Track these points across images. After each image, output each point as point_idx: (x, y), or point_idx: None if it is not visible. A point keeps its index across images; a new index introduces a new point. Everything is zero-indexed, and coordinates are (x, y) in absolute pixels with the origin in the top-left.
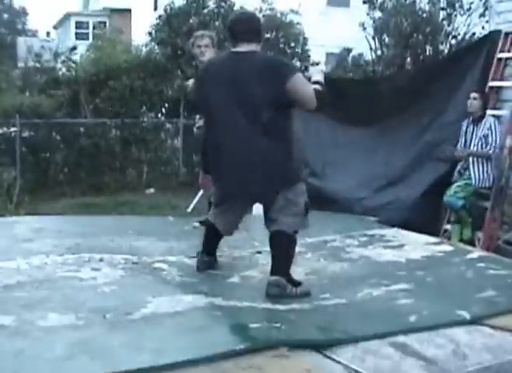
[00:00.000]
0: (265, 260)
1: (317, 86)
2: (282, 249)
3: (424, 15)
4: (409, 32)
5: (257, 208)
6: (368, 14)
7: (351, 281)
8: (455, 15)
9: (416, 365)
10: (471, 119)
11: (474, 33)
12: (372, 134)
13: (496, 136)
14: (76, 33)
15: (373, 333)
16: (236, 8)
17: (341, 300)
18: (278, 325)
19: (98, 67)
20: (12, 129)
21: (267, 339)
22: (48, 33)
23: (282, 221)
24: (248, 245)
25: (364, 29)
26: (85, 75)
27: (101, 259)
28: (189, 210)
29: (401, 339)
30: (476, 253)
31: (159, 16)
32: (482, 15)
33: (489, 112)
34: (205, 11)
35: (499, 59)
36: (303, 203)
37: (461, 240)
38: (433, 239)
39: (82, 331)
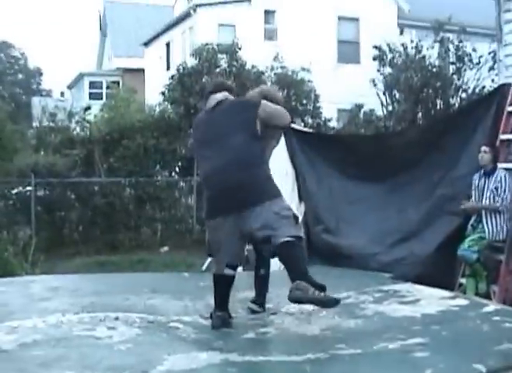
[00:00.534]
0: (280, 320)
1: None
2: (293, 258)
3: (434, 69)
4: (419, 86)
5: (275, 264)
6: (378, 70)
7: (366, 336)
8: (465, 69)
9: None
10: (482, 172)
11: (484, 87)
12: (384, 189)
13: (506, 188)
14: (90, 93)
15: None
16: (247, 67)
17: (357, 350)
18: None
19: (112, 126)
20: (27, 188)
21: None
22: (62, 93)
23: (281, 234)
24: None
25: (375, 85)
26: (99, 135)
27: (116, 318)
28: (204, 268)
29: None
30: (492, 307)
31: (172, 76)
32: (492, 68)
33: (500, 165)
34: (217, 70)
35: (510, 112)
36: (292, 214)
37: (477, 294)
38: (447, 294)
39: None
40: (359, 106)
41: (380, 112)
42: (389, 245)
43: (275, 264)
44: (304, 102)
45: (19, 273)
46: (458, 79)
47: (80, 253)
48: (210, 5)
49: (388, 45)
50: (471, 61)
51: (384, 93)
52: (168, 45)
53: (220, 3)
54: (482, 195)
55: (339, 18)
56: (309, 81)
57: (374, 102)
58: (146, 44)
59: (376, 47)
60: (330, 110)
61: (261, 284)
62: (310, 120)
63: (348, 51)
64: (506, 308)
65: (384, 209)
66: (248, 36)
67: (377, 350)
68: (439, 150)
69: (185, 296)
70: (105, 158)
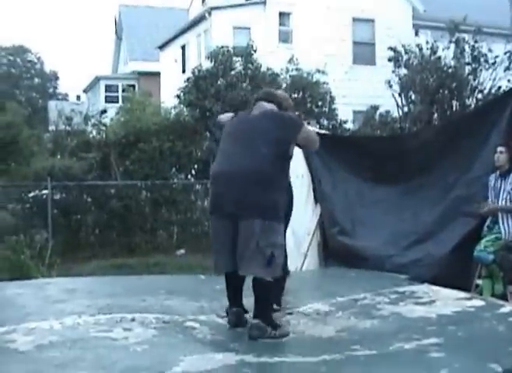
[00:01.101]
0: (296, 321)
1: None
2: (261, 295)
3: (449, 70)
4: (435, 87)
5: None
6: (394, 71)
7: (381, 336)
8: (480, 70)
9: None
10: (498, 173)
11: (500, 87)
12: (400, 190)
13: None
14: (106, 96)
15: None
16: (262, 69)
17: (373, 351)
18: None
19: (128, 129)
20: (44, 191)
21: None
22: (78, 97)
23: (256, 271)
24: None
25: (390, 86)
26: (115, 138)
27: (133, 319)
28: None
29: None
30: (508, 307)
31: (188, 79)
32: (507, 68)
33: None
34: (233, 72)
35: None
36: (268, 252)
37: (493, 295)
38: (463, 295)
39: None
40: (375, 108)
41: (395, 113)
42: (405, 247)
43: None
44: (319, 104)
45: (36, 275)
46: (474, 80)
47: (96, 256)
48: (225, 7)
49: (403, 46)
50: (486, 61)
51: (400, 94)
52: (183, 48)
53: (235, 6)
54: (499, 196)
55: (354, 19)
56: (324, 83)
57: (390, 103)
58: (161, 48)
59: (391, 48)
60: (345, 112)
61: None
62: (325, 122)
63: (363, 53)
64: None
65: (400, 210)
66: (263, 38)
67: (393, 350)
68: (454, 151)
69: (201, 298)
70: (121, 161)
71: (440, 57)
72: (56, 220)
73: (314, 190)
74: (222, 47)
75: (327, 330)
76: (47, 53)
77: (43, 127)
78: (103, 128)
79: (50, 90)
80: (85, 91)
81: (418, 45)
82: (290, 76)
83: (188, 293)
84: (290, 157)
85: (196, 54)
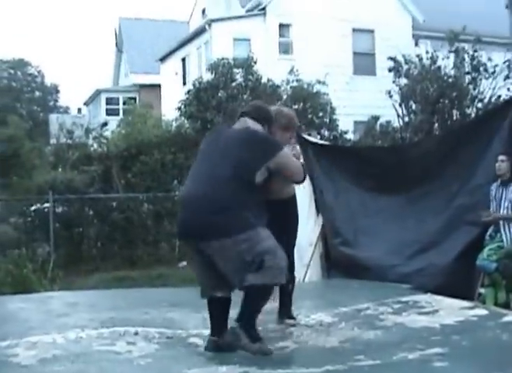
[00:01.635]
0: (299, 332)
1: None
2: (249, 300)
3: (449, 80)
4: (435, 97)
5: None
6: (394, 81)
7: (385, 346)
8: (480, 79)
9: None
10: (499, 182)
11: (500, 96)
12: (402, 200)
13: None
14: (107, 109)
15: None
16: (263, 80)
17: (376, 361)
18: None
19: (129, 142)
20: (46, 205)
21: None
22: (79, 110)
23: (249, 279)
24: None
25: (391, 96)
26: (116, 151)
27: (136, 333)
28: None
29: None
30: (511, 316)
31: (188, 91)
32: (507, 77)
33: None
34: (233, 84)
35: None
36: (258, 259)
37: (496, 303)
38: (467, 304)
39: None
40: (376, 118)
41: (396, 123)
42: (407, 257)
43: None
44: (320, 114)
45: (38, 289)
46: (474, 89)
47: (99, 269)
48: (225, 19)
49: (403, 56)
50: (486, 70)
51: (400, 104)
52: (184, 60)
53: (235, 17)
54: (500, 205)
55: (354, 30)
56: (325, 93)
57: (390, 113)
58: (162, 60)
59: (391, 59)
60: (346, 123)
61: (286, 298)
62: (326, 133)
63: (363, 63)
64: None
65: (402, 220)
66: (263, 49)
67: (397, 360)
68: (456, 160)
69: (204, 310)
70: (123, 174)
71: (439, 67)
72: (58, 233)
73: (316, 201)
74: (223, 58)
75: (331, 341)
76: (47, 66)
77: (44, 141)
78: (105, 141)
79: (51, 103)
80: (86, 104)
81: (418, 55)
82: (291, 87)
83: (191, 305)
84: (258, 186)
85: (197, 66)
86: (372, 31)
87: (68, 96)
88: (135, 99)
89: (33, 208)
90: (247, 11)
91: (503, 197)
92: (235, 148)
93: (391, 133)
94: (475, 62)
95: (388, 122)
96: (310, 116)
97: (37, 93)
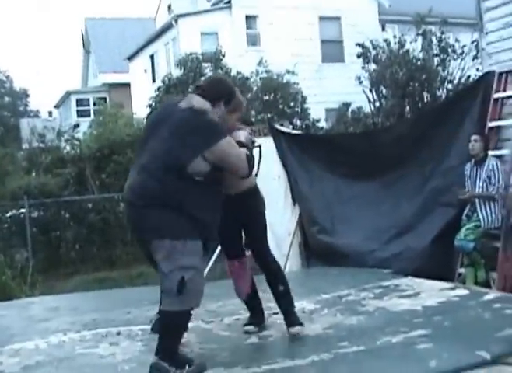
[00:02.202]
0: (282, 320)
1: (245, 150)
2: (166, 328)
3: (418, 63)
4: (405, 81)
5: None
6: (363, 67)
7: (369, 331)
8: (449, 60)
9: None
10: (473, 161)
11: (469, 76)
12: (377, 185)
13: (499, 176)
14: (77, 111)
15: None
16: (232, 73)
17: (360, 347)
18: None
19: (101, 142)
20: (21, 210)
21: None
22: (50, 113)
23: (162, 298)
24: (265, 308)
25: (361, 82)
26: (89, 152)
27: (118, 333)
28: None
29: None
30: (492, 294)
31: (158, 88)
32: (475, 57)
33: (490, 153)
34: (202, 79)
35: (496, 99)
36: (177, 277)
37: (476, 283)
38: (447, 285)
39: None
40: (347, 105)
41: (367, 109)
42: (385, 241)
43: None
44: (291, 104)
45: (19, 295)
46: (443, 71)
47: (78, 272)
48: (191, 14)
49: (371, 42)
50: (454, 51)
51: (371, 90)
52: (152, 57)
53: (201, 12)
54: (475, 185)
55: (320, 18)
56: (295, 83)
57: (361, 99)
58: (130, 58)
59: (359, 45)
60: (318, 111)
61: (284, 301)
62: (298, 122)
63: (331, 51)
64: (506, 295)
65: (378, 205)
66: (231, 42)
67: (381, 345)
68: (428, 142)
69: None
70: (97, 175)
71: (408, 51)
72: (35, 238)
73: (292, 191)
74: (191, 53)
75: (314, 328)
76: (15, 71)
77: (16, 146)
78: (77, 143)
79: (21, 108)
80: (56, 106)
81: (385, 40)
82: (260, 79)
83: None
84: (200, 174)
85: (165, 62)
86: (338, 18)
87: (38, 100)
88: (105, 99)
89: (8, 214)
90: (213, 4)
91: (477, 177)
92: (168, 134)
93: (363, 119)
94: (442, 44)
95: (359, 108)
96: (281, 106)
97: (6, 99)
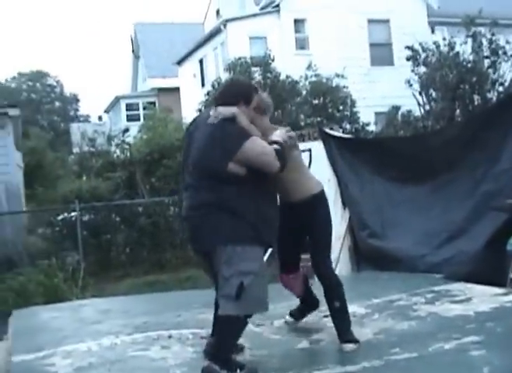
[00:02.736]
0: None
1: (275, 146)
2: (223, 332)
3: (468, 65)
4: (455, 83)
5: None
6: (413, 70)
7: (420, 337)
8: (500, 62)
9: None
10: None
11: None
12: (427, 189)
13: None
14: (127, 115)
15: None
16: (281, 77)
17: (412, 354)
18: None
19: (151, 147)
20: (73, 213)
21: None
22: (100, 117)
23: (221, 303)
24: (315, 310)
25: (410, 85)
26: (139, 156)
27: (170, 336)
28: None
29: None
30: None
31: (208, 92)
32: None
33: None
34: (252, 82)
35: None
36: (236, 281)
37: None
38: (500, 290)
39: None
40: (396, 108)
41: (417, 112)
42: (436, 246)
43: None
44: (341, 108)
45: (70, 298)
46: (494, 73)
47: (129, 275)
48: (239, 18)
49: (421, 44)
50: (505, 53)
51: (420, 93)
52: (201, 62)
53: (249, 16)
54: None
55: (369, 21)
56: (344, 87)
57: (411, 102)
58: (179, 63)
59: (408, 48)
60: (367, 114)
61: (338, 316)
62: (348, 126)
63: (381, 54)
64: None
65: (429, 209)
66: (280, 46)
67: (433, 351)
68: (479, 145)
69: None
70: (147, 179)
71: (458, 53)
72: (86, 241)
73: (342, 194)
74: (240, 58)
75: (365, 333)
76: (66, 76)
77: (66, 150)
78: (127, 147)
79: (72, 113)
80: (106, 111)
81: (435, 42)
82: (309, 83)
83: None
84: (243, 177)
85: (214, 66)
86: (387, 21)
87: (88, 105)
88: (154, 103)
89: (60, 218)
90: (261, 9)
91: None
92: (200, 148)
93: (413, 122)
94: (493, 46)
95: (409, 111)
96: (330, 110)
97: (57, 103)
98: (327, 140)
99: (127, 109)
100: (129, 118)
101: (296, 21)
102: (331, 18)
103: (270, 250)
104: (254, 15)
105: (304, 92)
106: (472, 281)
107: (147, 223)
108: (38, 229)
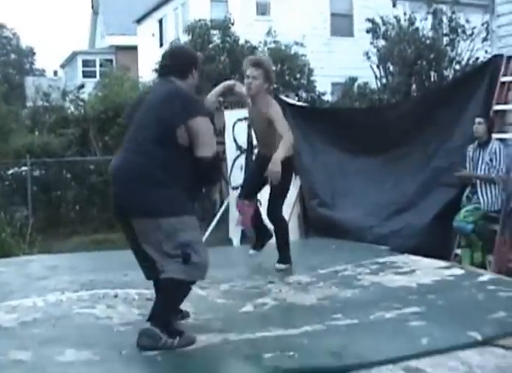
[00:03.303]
0: (278, 289)
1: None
2: (166, 295)
3: (427, 41)
4: (413, 59)
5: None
6: (372, 43)
7: (363, 305)
8: (458, 41)
9: None
10: (476, 143)
11: (477, 58)
12: (380, 161)
13: (501, 159)
14: (83, 71)
15: (385, 358)
16: (240, 42)
17: (354, 320)
18: (291, 353)
19: (106, 104)
20: (23, 168)
21: (280, 370)
22: (56, 72)
23: (168, 269)
24: (260, 276)
25: (368, 58)
26: (93, 113)
27: (116, 295)
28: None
29: (413, 363)
30: (487, 276)
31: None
32: (485, 39)
33: (494, 136)
34: (210, 46)
35: (503, 83)
36: (180, 252)
37: (472, 264)
38: (443, 264)
39: (99, 366)
40: (353, 80)
41: (374, 85)
42: (385, 218)
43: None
44: (298, 76)
45: (17, 253)
46: (452, 51)
47: (77, 232)
48: None
49: (381, 18)
50: (464, 32)
51: (378, 66)
52: (161, 22)
53: None
54: (477, 167)
55: None
56: (302, 55)
57: (368, 75)
58: (139, 21)
59: (369, 20)
60: (324, 84)
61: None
62: (304, 94)
63: (341, 24)
64: (500, 277)
65: (380, 182)
66: (241, 11)
67: (374, 319)
68: (433, 122)
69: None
70: (100, 137)
71: (417, 29)
72: (36, 197)
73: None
74: (200, 20)
75: (309, 298)
76: (22, 28)
77: (20, 104)
78: (82, 104)
79: (27, 66)
80: (62, 66)
81: (396, 16)
82: (268, 49)
83: None
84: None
85: (174, 27)
86: None
87: (44, 59)
88: (111, 61)
89: (10, 172)
90: None
91: (480, 159)
92: (156, 105)
93: (369, 94)
94: (453, 24)
95: (366, 83)
96: (287, 77)
97: (13, 56)
98: (283, 107)
99: (83, 66)
100: (85, 74)
101: None
102: None
103: (218, 216)
104: None
105: None
106: (418, 254)
107: (98, 181)
108: None
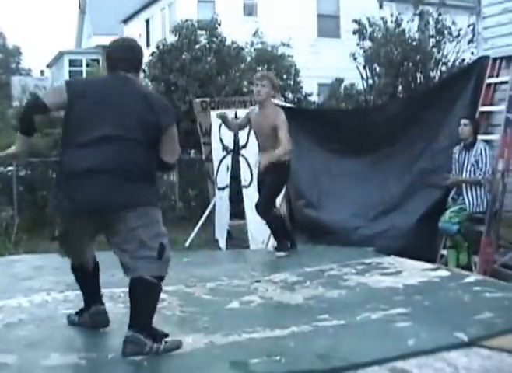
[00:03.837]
0: (264, 288)
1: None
2: (143, 299)
3: (414, 43)
4: (400, 60)
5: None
6: (358, 44)
7: (349, 306)
8: (444, 42)
9: None
10: (462, 145)
11: (463, 59)
12: (366, 163)
13: (486, 161)
14: (70, 71)
15: (372, 359)
16: (227, 42)
17: (340, 321)
18: (278, 358)
19: None
20: (9, 168)
21: None
22: (42, 72)
23: (140, 266)
24: (247, 275)
25: (355, 59)
26: None
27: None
28: (187, 244)
29: (399, 364)
30: (472, 277)
31: (152, 53)
32: (471, 41)
33: (480, 137)
34: (197, 46)
35: (489, 84)
36: (155, 243)
37: (458, 265)
38: (429, 265)
39: (85, 370)
40: (340, 81)
41: (360, 86)
42: (371, 219)
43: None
44: (284, 77)
45: (3, 253)
46: (438, 52)
47: None
48: None
49: (368, 19)
50: (450, 34)
51: (365, 67)
52: (147, 22)
53: None
54: (463, 168)
55: None
56: (289, 56)
57: (354, 76)
58: (125, 21)
59: (356, 21)
60: (310, 85)
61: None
62: (290, 95)
63: (328, 25)
64: (486, 278)
65: (366, 183)
66: (228, 11)
67: (361, 320)
68: (419, 123)
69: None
70: None
71: (404, 30)
72: (22, 197)
73: None
74: (187, 20)
75: (296, 298)
76: (9, 28)
77: (6, 103)
78: None
79: (13, 66)
80: (48, 66)
81: (382, 18)
82: (255, 49)
83: None
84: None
85: (160, 27)
86: None
87: (31, 59)
88: (98, 60)
89: None
90: None
91: (465, 161)
92: (135, 107)
93: (355, 95)
94: (439, 25)
95: (352, 85)
96: None
97: None
98: None
99: (70, 65)
100: (72, 74)
101: None
102: None
103: (203, 217)
104: None
105: (249, 59)
106: (404, 256)
107: None
108: None
